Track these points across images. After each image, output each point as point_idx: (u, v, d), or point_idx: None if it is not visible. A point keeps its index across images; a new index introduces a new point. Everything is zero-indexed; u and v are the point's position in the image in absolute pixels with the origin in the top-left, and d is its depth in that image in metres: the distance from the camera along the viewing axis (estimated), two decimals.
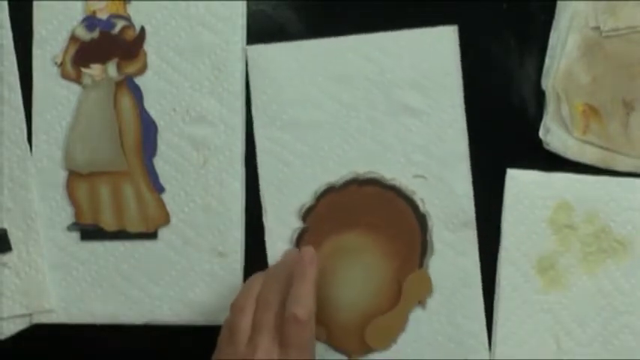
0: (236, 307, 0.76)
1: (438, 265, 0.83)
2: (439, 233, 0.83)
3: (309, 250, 0.78)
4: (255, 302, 0.75)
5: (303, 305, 0.73)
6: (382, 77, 0.83)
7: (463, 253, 0.82)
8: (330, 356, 0.83)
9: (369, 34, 0.83)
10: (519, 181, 0.82)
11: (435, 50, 0.83)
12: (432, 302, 0.83)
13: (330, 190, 0.83)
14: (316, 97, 0.83)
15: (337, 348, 0.83)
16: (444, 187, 0.83)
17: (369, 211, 0.83)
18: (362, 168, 0.83)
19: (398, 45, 0.83)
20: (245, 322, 0.74)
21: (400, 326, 0.83)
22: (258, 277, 0.78)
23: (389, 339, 0.83)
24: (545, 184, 0.82)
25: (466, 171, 0.83)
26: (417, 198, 0.83)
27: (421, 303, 0.83)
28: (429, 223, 0.83)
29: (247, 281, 0.78)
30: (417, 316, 0.83)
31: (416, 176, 0.83)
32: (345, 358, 0.83)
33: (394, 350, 0.83)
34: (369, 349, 0.83)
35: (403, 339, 0.83)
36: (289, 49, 0.84)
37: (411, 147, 0.83)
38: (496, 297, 0.82)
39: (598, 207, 0.82)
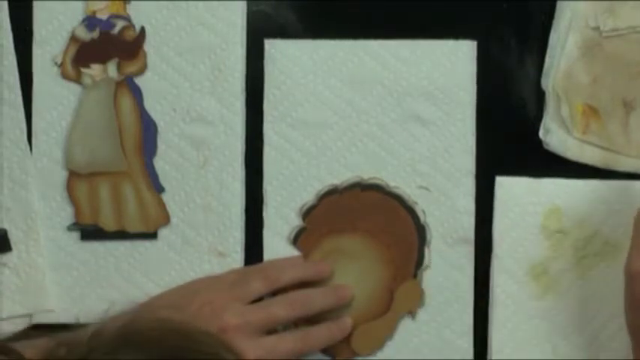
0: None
1: (432, 278, 0.82)
2: (436, 246, 0.83)
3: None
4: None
5: None
6: (396, 84, 0.83)
7: (458, 268, 0.82)
8: (314, 357, 0.83)
9: (387, 40, 0.83)
10: (509, 188, 0.82)
11: (452, 63, 0.83)
12: (422, 314, 0.83)
13: (332, 192, 0.83)
14: (328, 98, 0.83)
15: (322, 349, 0.83)
16: (447, 201, 0.83)
17: (369, 216, 0.83)
18: (366, 173, 0.83)
19: (415, 54, 0.83)
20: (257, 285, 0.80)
21: (388, 334, 0.83)
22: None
23: (375, 346, 0.83)
24: (534, 190, 0.82)
25: (470, 187, 0.82)
26: (418, 209, 0.83)
27: (411, 313, 0.83)
28: (428, 235, 0.83)
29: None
30: (406, 326, 0.83)
31: (420, 187, 0.83)
32: (330, 358, 0.83)
33: (379, 357, 0.83)
34: (354, 354, 0.83)
35: (390, 347, 0.83)
36: (306, 47, 0.84)
37: (418, 157, 0.83)
38: (490, 305, 0.82)
39: (588, 211, 0.82)
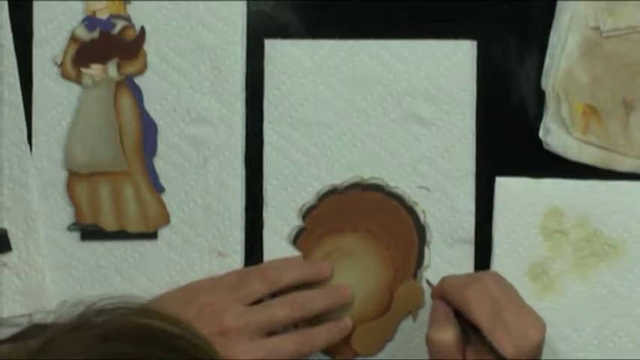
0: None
1: (432, 278, 0.82)
2: (437, 246, 0.83)
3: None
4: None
5: None
6: (396, 84, 0.83)
7: (458, 268, 0.82)
8: (314, 357, 0.83)
9: (387, 40, 0.83)
10: (509, 188, 0.82)
11: (452, 63, 0.83)
12: (423, 314, 0.83)
13: (332, 192, 0.83)
14: (328, 98, 0.84)
15: (322, 349, 0.83)
16: (447, 202, 0.83)
17: (369, 216, 0.83)
18: (367, 173, 0.83)
19: (415, 54, 0.83)
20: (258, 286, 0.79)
21: (388, 335, 0.83)
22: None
23: (375, 346, 0.83)
24: (534, 191, 0.82)
25: (470, 188, 0.83)
26: (418, 209, 0.83)
27: (412, 314, 0.83)
28: (428, 236, 0.83)
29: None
30: (407, 326, 0.83)
31: (420, 187, 0.83)
32: (330, 358, 0.83)
33: (379, 357, 0.83)
34: (354, 354, 0.83)
35: (391, 347, 0.83)
36: (306, 47, 0.84)
37: (418, 157, 0.83)
38: None
39: (588, 211, 0.82)
